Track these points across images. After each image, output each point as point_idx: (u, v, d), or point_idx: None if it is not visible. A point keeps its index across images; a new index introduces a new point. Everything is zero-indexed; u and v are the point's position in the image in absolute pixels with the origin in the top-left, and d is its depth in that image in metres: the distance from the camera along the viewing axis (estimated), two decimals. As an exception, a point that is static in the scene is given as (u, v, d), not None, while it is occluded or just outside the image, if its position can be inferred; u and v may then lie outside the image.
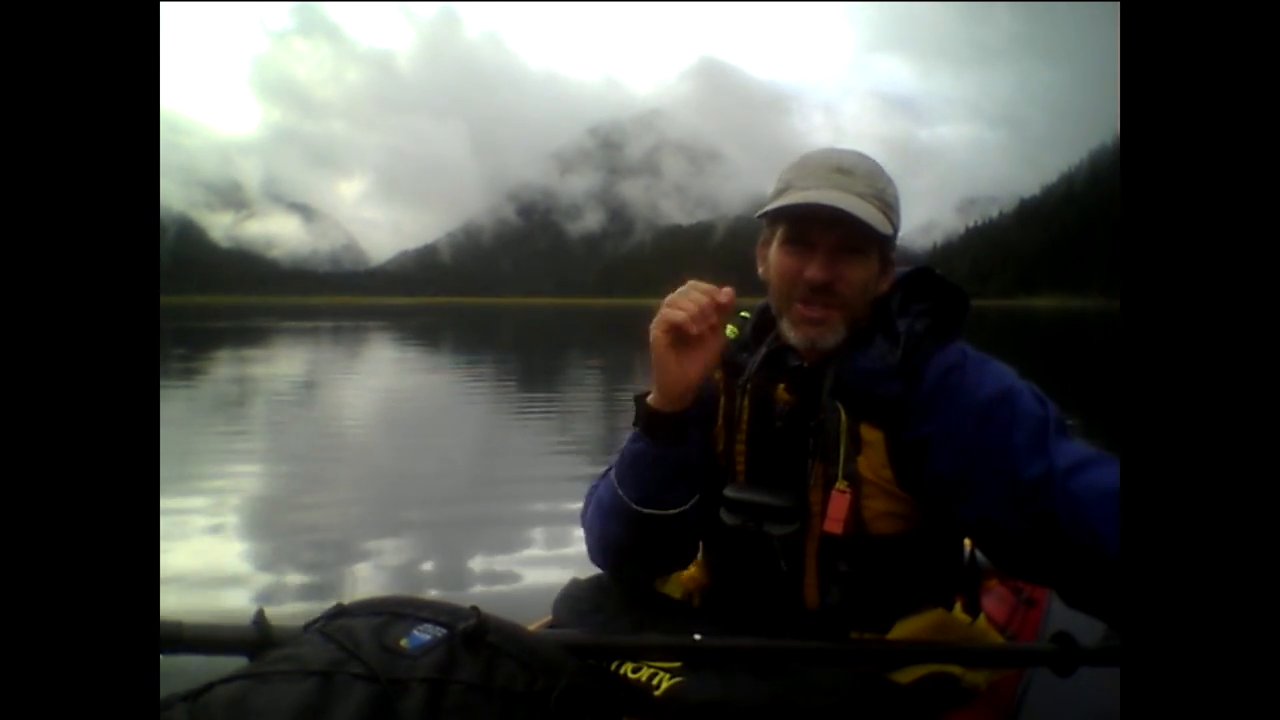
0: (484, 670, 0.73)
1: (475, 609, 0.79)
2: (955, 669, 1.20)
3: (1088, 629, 1.14)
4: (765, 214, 1.24)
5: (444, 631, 0.76)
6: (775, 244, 1.26)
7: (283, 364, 16.12)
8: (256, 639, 0.92)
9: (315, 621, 0.80)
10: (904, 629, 1.23)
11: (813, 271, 1.19)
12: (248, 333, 29.19)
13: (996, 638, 1.52)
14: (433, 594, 3.19)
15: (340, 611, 0.81)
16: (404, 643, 0.74)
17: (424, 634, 0.76)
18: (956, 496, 1.15)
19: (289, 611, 3.00)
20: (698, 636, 1.09)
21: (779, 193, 1.24)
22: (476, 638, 0.75)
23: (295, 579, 3.39)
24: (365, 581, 3.31)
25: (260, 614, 0.95)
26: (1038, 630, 1.82)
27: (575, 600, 1.25)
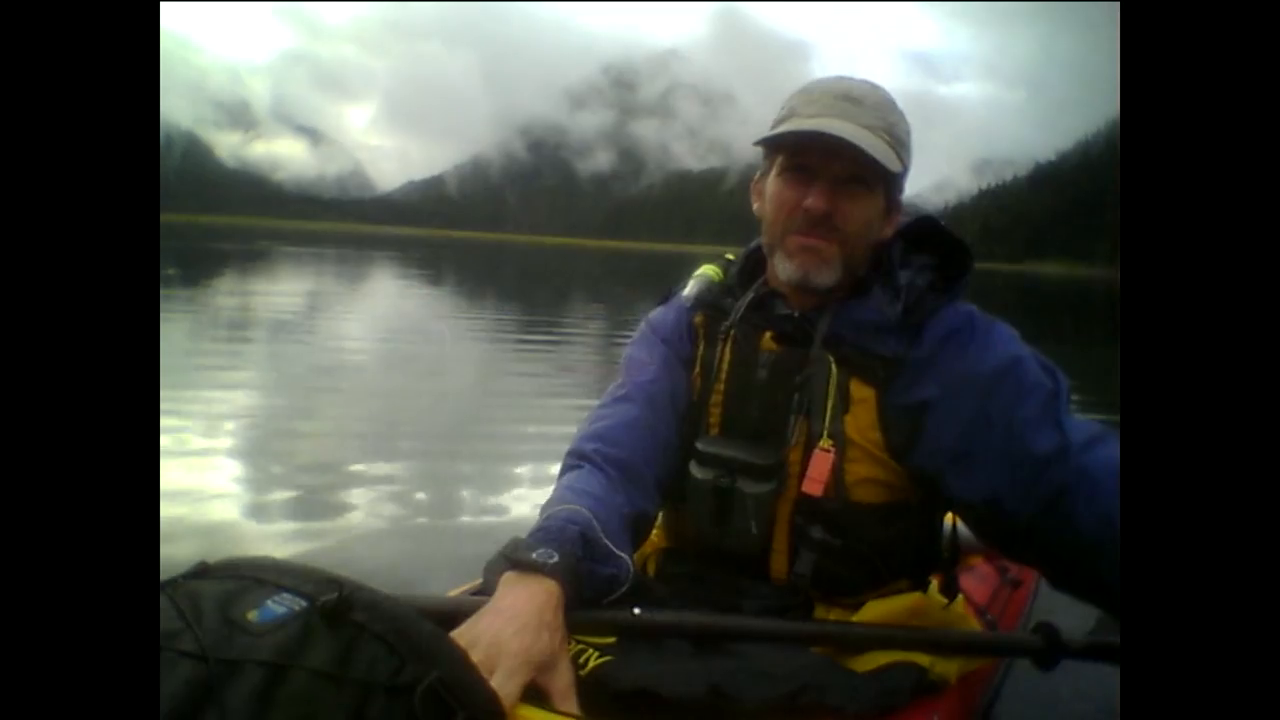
0: (340, 654, 0.63)
1: (339, 580, 0.68)
2: (923, 658, 1.08)
3: (1075, 615, 1.07)
4: (764, 141, 1.16)
5: (304, 604, 0.66)
6: (774, 174, 1.18)
7: (285, 291, 15.99)
8: None
9: (171, 581, 0.70)
10: (874, 611, 1.14)
11: (812, 200, 1.11)
12: (251, 256, 28.95)
13: (974, 623, 1.40)
14: (421, 521, 3.23)
15: (200, 571, 0.72)
16: (252, 615, 0.64)
17: (280, 605, 0.65)
18: (955, 471, 1.07)
19: (276, 531, 3.02)
20: (637, 611, 0.96)
21: (781, 120, 1.16)
22: (338, 614, 0.65)
23: (282, 502, 3.36)
24: (352, 507, 3.30)
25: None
26: (1021, 614, 1.73)
27: None
